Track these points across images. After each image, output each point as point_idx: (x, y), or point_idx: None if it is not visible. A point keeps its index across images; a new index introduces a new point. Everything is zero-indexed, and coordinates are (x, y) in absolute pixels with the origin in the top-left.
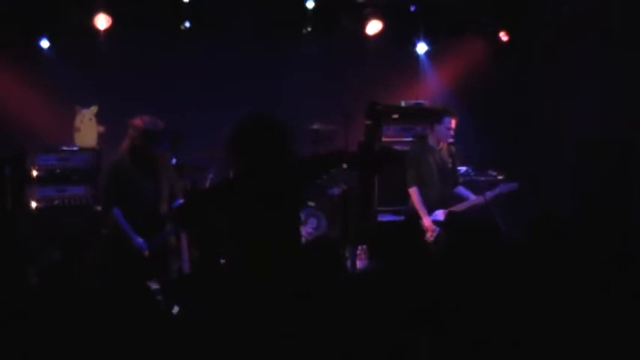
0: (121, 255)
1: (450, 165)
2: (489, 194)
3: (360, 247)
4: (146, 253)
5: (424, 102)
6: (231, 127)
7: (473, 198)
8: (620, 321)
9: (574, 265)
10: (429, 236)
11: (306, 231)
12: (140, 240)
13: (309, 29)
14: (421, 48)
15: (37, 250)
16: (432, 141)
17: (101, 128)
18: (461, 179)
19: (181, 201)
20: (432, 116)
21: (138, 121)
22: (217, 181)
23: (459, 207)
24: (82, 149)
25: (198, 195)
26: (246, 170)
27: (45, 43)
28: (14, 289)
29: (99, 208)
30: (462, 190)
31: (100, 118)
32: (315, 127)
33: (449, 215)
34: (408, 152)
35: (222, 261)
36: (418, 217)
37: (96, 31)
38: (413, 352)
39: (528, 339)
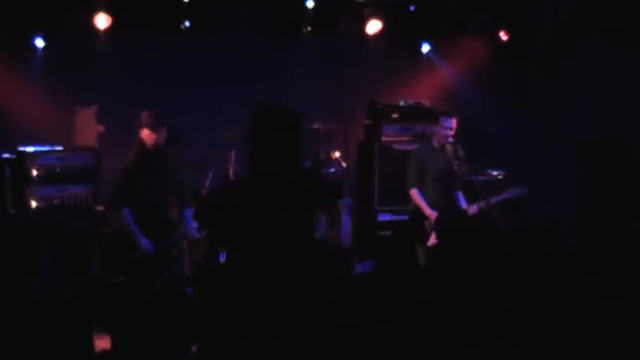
0: (126, 253)
1: (455, 167)
2: (496, 198)
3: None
4: (150, 253)
5: (424, 102)
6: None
7: (465, 207)
8: (618, 320)
9: (572, 266)
10: (434, 238)
11: None
12: (145, 241)
13: (309, 29)
14: (422, 48)
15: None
16: (434, 141)
17: (101, 128)
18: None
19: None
20: (431, 116)
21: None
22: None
23: (472, 209)
24: (82, 149)
25: (215, 197)
26: (258, 170)
27: (40, 42)
28: (15, 289)
29: (99, 207)
30: (458, 194)
31: (100, 117)
32: (315, 126)
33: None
34: (412, 152)
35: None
36: (423, 218)
37: (96, 30)
38: (412, 352)
39: (525, 339)
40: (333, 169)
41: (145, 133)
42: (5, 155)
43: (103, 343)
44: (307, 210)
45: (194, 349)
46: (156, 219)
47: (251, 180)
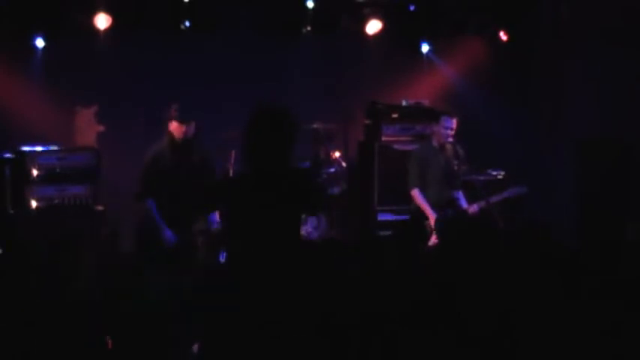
0: (151, 244)
1: (455, 167)
2: (496, 198)
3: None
4: (172, 246)
5: (424, 102)
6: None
7: (465, 206)
8: (618, 320)
9: (571, 266)
10: (435, 238)
11: (306, 230)
12: (169, 232)
13: (309, 29)
14: (422, 48)
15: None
16: (434, 141)
17: (101, 128)
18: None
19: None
20: (431, 116)
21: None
22: (222, 176)
23: (473, 208)
24: (81, 149)
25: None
26: (254, 167)
27: (40, 42)
28: (15, 289)
29: (99, 207)
30: (459, 194)
31: (100, 117)
32: (315, 126)
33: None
34: (412, 152)
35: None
36: (424, 218)
37: (96, 30)
38: (412, 352)
39: (525, 339)
40: (333, 169)
41: (174, 126)
42: (5, 155)
43: None
44: (301, 209)
45: (195, 348)
46: (179, 211)
47: (249, 175)
